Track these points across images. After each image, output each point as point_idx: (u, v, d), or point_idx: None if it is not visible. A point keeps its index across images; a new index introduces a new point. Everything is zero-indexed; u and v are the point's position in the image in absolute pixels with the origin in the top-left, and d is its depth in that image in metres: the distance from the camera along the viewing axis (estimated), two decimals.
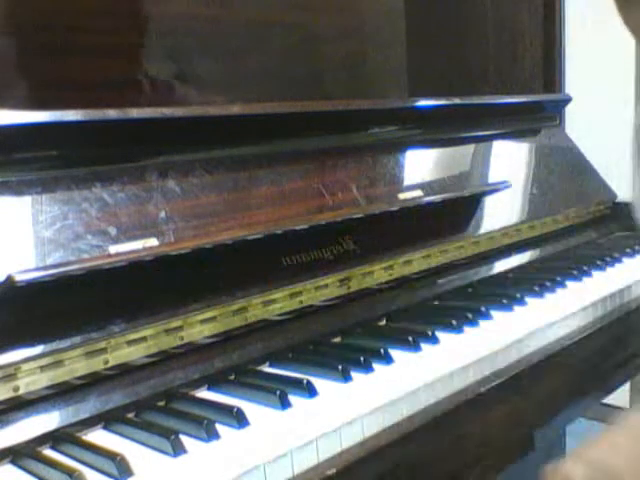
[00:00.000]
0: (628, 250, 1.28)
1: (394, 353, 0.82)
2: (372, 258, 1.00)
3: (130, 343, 0.75)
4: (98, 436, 0.70)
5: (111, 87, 0.86)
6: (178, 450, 0.63)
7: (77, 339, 0.71)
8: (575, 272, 1.14)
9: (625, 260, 1.25)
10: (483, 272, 1.11)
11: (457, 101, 1.19)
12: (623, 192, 1.57)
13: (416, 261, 1.06)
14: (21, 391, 0.68)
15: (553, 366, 0.93)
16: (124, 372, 0.75)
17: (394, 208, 1.02)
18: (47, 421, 0.69)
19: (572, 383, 1.01)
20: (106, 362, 0.74)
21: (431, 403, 0.77)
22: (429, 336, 0.86)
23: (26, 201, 0.72)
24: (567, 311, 1.00)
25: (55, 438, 0.68)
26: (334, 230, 0.96)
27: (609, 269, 1.19)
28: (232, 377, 0.82)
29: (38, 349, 0.69)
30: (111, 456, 0.61)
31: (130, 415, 0.73)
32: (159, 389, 0.76)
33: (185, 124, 0.85)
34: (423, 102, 1.15)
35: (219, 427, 0.67)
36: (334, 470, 0.64)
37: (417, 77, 1.26)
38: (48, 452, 0.67)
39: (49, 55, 0.81)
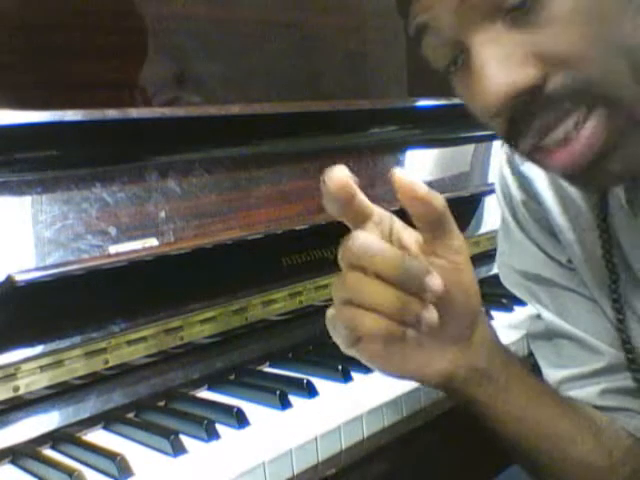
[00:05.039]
0: None
1: None
2: None
3: (130, 343, 0.75)
4: (98, 436, 0.70)
5: (111, 87, 0.86)
6: (178, 450, 0.63)
7: (77, 339, 0.71)
8: None
9: None
10: (483, 272, 1.11)
11: (457, 101, 1.18)
12: None
13: None
14: (21, 391, 0.68)
15: None
16: (124, 372, 0.75)
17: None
18: (47, 421, 0.69)
19: None
20: (106, 362, 0.74)
21: (431, 403, 0.77)
22: None
23: (26, 201, 0.72)
24: None
25: (55, 438, 0.68)
26: (334, 230, 0.96)
27: None
28: (232, 377, 0.82)
29: (38, 349, 0.69)
30: (111, 456, 0.61)
31: (130, 415, 0.73)
32: (159, 389, 0.76)
33: (185, 124, 0.85)
34: (423, 102, 1.15)
35: (219, 427, 0.67)
36: (334, 470, 0.64)
37: (417, 77, 1.26)
38: (48, 452, 0.67)
39: (49, 55, 0.81)
